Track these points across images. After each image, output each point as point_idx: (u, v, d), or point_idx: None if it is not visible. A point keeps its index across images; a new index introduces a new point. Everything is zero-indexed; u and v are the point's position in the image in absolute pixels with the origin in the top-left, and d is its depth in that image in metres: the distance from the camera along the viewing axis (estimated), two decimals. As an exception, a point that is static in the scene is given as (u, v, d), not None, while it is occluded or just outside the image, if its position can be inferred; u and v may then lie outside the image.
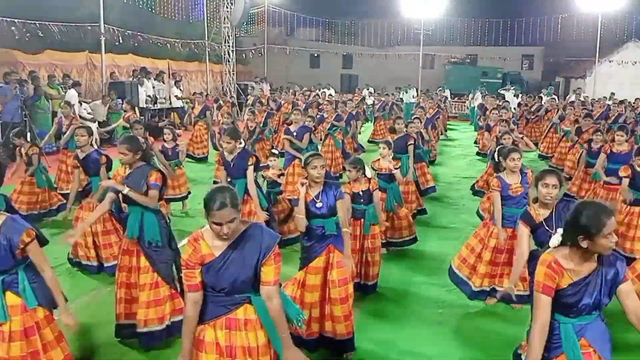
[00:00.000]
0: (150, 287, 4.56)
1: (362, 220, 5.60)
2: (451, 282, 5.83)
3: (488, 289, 5.57)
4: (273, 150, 7.92)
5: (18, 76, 14.42)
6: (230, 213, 2.82)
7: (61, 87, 15.52)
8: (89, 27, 17.98)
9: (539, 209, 4.19)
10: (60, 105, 14.08)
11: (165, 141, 8.78)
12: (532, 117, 17.67)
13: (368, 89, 26.18)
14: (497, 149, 6.43)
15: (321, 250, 4.42)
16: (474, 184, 10.09)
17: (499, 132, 9.34)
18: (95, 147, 6.61)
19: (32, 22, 16.12)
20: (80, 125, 7.14)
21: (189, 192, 9.10)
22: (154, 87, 19.62)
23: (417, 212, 8.55)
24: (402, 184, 7.62)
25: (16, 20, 15.67)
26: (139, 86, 18.57)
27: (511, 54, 35.41)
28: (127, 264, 4.70)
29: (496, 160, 6.14)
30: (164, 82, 20.53)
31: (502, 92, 25.69)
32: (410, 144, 8.39)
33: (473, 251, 5.68)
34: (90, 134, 6.49)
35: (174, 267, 4.76)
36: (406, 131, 8.79)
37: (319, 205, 4.39)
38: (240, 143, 6.17)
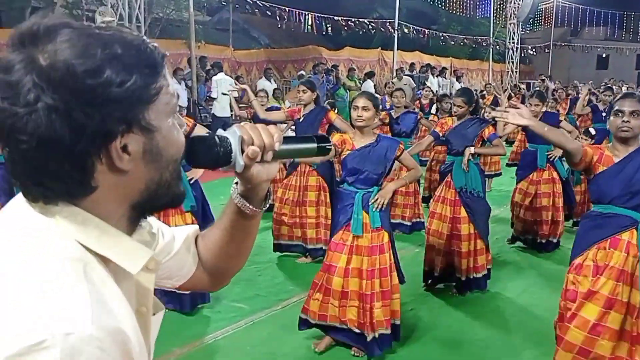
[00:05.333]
0: (469, 238, 4.64)
1: None
2: None
3: None
4: None
5: (325, 67, 15.83)
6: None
7: (358, 80, 16.61)
8: (384, 26, 18.97)
9: None
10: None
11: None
12: None
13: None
14: None
15: None
16: None
17: None
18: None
19: (337, 17, 17.56)
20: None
21: (497, 173, 9.01)
22: (439, 85, 19.87)
23: None
24: None
25: (323, 15, 17.22)
26: (425, 81, 18.95)
27: None
28: (440, 212, 4.73)
29: None
30: (446, 78, 20.69)
31: None
32: None
33: None
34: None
35: (489, 223, 4.83)
36: None
37: None
38: None
